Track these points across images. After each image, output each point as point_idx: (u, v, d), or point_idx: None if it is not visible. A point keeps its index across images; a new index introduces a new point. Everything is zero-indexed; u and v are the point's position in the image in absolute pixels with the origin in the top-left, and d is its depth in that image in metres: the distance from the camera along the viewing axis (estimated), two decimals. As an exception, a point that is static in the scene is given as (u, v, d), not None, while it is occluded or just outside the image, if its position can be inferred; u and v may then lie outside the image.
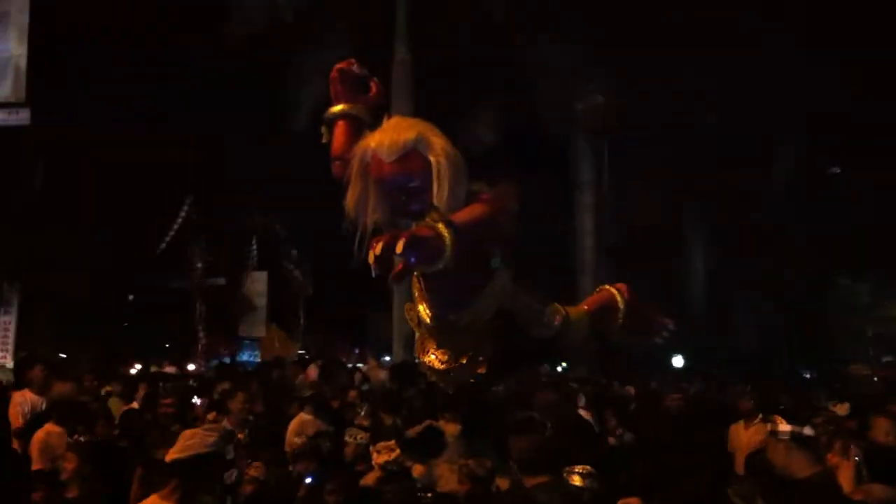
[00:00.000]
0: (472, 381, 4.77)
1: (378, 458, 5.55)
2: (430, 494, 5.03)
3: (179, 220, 19.61)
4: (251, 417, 7.42)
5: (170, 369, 13.55)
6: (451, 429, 5.62)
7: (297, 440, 6.93)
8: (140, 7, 16.21)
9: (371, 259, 2.98)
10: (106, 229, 18.61)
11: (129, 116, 17.42)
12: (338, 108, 4.17)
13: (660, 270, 19.32)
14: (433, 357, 4.69)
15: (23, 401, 7.68)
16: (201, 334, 19.00)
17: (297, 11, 16.07)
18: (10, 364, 14.03)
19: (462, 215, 3.56)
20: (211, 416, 7.80)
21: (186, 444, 4.19)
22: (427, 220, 3.37)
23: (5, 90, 14.68)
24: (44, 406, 7.63)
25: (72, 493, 5.39)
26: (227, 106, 17.04)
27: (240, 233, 20.52)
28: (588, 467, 4.54)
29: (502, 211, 3.77)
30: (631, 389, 10.97)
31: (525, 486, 4.52)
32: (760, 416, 7.37)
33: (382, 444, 5.80)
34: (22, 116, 14.56)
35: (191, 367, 16.79)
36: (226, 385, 9.47)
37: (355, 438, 6.61)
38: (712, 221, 20.99)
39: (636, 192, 18.70)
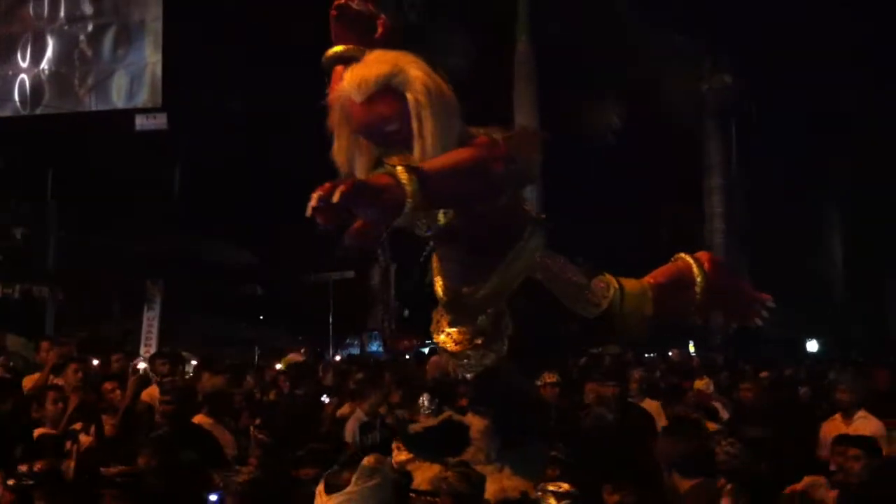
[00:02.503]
0: (491, 366, 4.01)
1: (398, 456, 4.68)
2: (438, 500, 4.25)
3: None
4: (386, 408, 7.45)
5: (293, 356, 13.56)
6: (476, 423, 4.65)
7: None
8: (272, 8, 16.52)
9: (308, 211, 2.51)
10: (241, 227, 19.21)
11: (260, 117, 17.89)
12: (334, 50, 3.58)
13: (797, 255, 18.66)
14: (446, 337, 4.04)
15: None
16: (384, 325, 18.97)
17: (420, 3, 16.07)
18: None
19: (437, 160, 2.99)
20: (345, 409, 7.90)
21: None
22: (386, 164, 2.86)
23: (143, 96, 15.34)
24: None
25: None
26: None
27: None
28: (566, 486, 3.75)
29: (500, 158, 3.17)
30: (765, 375, 10.42)
31: (678, 489, 4.05)
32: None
33: None
34: (160, 121, 15.21)
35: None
36: (359, 375, 9.61)
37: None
38: (852, 203, 20.10)
39: (771, 175, 18.07)
